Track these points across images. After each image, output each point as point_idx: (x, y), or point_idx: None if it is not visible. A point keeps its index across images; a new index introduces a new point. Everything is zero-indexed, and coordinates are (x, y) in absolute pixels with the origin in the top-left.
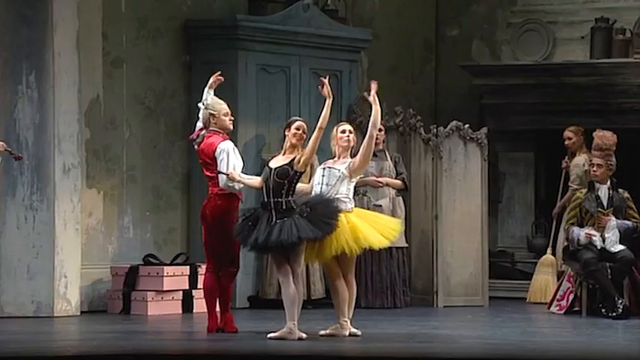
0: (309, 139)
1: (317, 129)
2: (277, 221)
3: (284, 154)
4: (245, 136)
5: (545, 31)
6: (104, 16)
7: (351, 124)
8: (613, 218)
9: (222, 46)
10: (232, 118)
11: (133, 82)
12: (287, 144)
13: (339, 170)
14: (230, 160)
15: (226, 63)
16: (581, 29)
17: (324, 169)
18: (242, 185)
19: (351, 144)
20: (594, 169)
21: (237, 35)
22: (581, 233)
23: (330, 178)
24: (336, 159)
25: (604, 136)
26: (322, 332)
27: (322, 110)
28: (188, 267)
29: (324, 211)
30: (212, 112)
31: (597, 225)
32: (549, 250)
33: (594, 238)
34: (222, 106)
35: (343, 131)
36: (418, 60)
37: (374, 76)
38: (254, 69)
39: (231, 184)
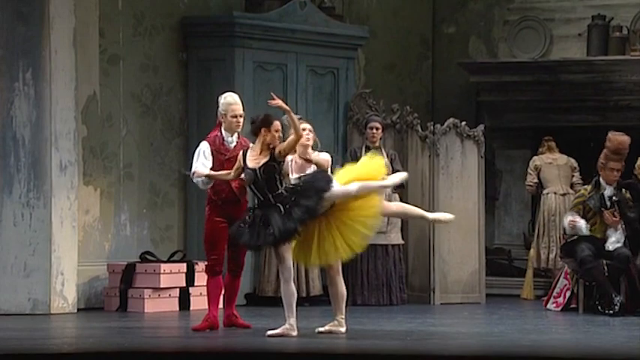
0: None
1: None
2: (287, 207)
3: (260, 153)
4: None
5: (542, 29)
6: (101, 14)
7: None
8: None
9: (218, 44)
10: (240, 121)
11: (129, 79)
12: (261, 141)
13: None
14: (194, 161)
15: (223, 60)
16: (578, 26)
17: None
18: (207, 183)
19: (311, 142)
20: (615, 173)
21: (234, 32)
22: (565, 222)
23: None
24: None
25: (623, 142)
26: (320, 329)
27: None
28: (185, 264)
29: (314, 177)
30: (221, 111)
31: (601, 223)
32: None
33: (578, 224)
34: (231, 107)
35: (303, 129)
36: (415, 57)
37: (371, 73)
38: (251, 66)
39: (195, 181)
